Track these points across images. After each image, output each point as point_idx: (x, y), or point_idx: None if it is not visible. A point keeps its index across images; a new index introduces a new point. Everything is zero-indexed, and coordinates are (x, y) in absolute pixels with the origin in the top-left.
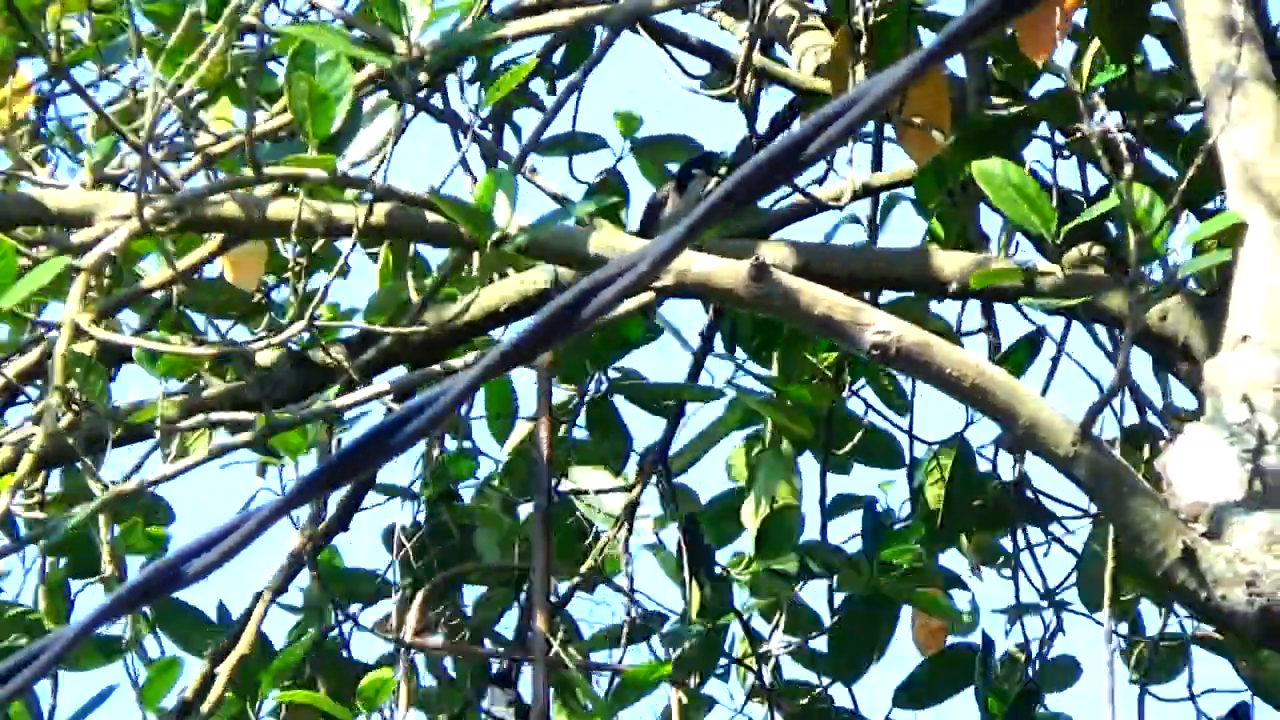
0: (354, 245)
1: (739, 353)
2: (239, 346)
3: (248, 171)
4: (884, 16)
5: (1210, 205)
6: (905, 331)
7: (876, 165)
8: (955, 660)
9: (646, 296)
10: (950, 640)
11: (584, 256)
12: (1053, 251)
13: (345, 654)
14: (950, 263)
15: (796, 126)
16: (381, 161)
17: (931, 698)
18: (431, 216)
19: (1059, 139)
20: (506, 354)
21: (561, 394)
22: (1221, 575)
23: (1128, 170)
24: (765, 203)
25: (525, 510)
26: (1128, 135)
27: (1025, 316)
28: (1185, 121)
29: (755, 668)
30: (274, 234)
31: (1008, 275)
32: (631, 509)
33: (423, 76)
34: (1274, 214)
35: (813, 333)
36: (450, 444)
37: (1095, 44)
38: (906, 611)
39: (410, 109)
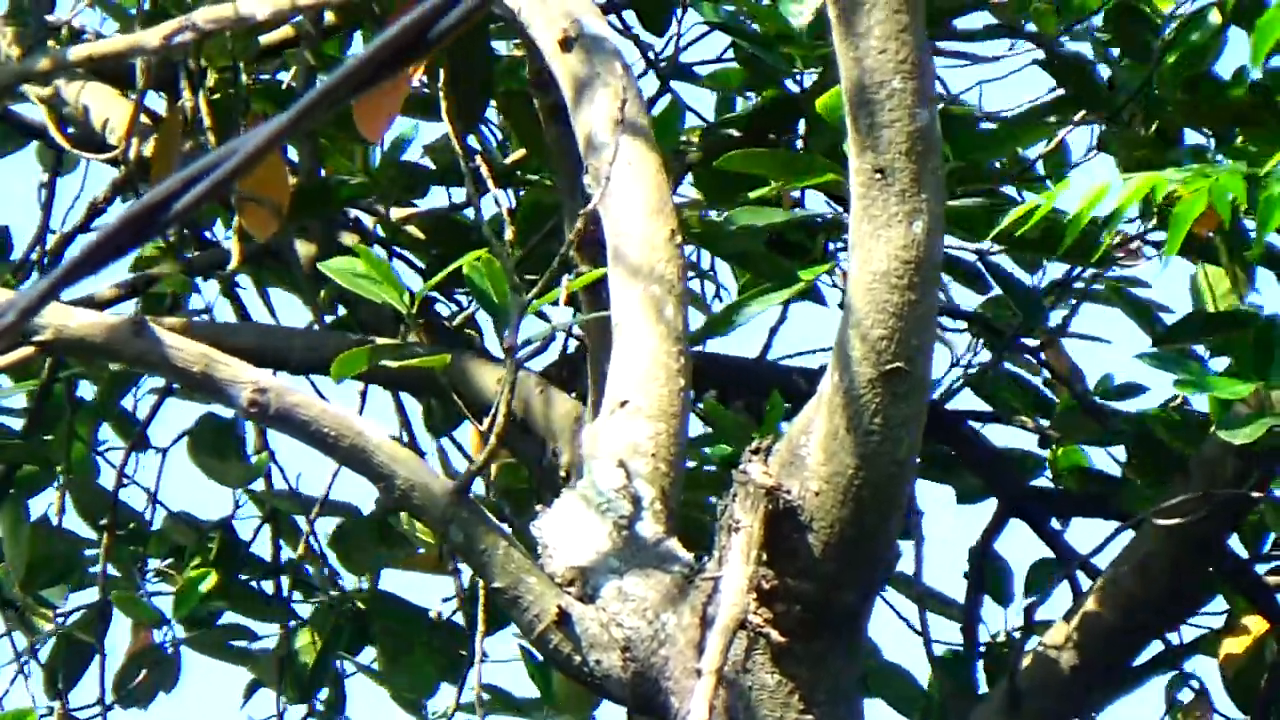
0: None
1: None
2: None
3: None
4: (216, 95)
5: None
6: (282, 390)
7: None
8: None
9: (25, 351)
10: None
11: None
12: (412, 322)
13: None
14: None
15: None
16: None
17: None
18: None
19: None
20: None
21: None
22: (596, 639)
23: (509, 236)
24: None
25: None
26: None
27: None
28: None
29: None
30: None
31: (358, 360)
32: None
33: None
34: (651, 281)
35: (193, 389)
36: None
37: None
38: None
39: None
